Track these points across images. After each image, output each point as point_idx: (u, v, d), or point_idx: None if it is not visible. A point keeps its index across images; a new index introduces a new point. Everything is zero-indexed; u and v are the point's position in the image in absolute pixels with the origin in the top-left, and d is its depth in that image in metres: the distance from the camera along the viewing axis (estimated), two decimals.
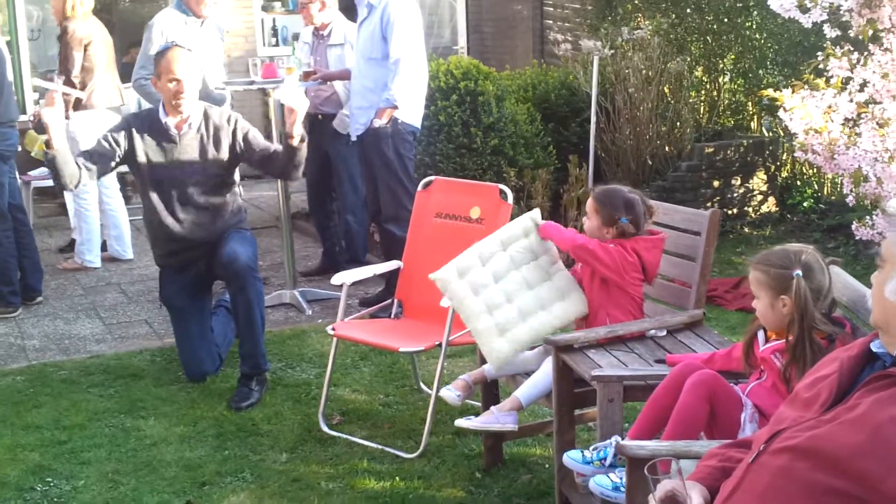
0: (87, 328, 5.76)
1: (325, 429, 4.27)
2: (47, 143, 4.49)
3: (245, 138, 4.75)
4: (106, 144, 4.70)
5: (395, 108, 5.63)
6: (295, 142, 4.56)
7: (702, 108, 8.04)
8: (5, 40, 8.94)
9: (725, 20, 7.82)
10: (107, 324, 5.84)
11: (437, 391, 4.04)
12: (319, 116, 6.44)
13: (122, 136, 4.70)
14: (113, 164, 4.76)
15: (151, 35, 6.05)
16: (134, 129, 4.71)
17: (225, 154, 4.73)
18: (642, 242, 3.76)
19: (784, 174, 7.62)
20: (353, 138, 6.10)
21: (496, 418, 3.67)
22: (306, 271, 6.61)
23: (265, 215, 8.29)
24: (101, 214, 7.06)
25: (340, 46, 6.40)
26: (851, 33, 4.03)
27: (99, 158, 4.68)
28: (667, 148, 7.50)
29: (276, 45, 10.84)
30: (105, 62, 6.87)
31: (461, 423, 3.72)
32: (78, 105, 6.76)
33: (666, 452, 2.73)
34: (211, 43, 6.42)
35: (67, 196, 7.47)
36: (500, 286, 3.82)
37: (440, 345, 4.09)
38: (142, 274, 6.83)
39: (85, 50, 6.71)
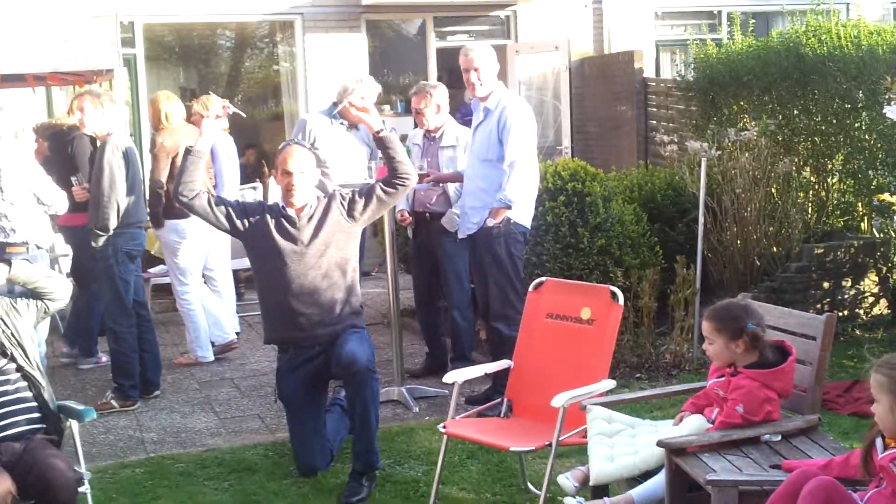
0: (203, 422, 5.93)
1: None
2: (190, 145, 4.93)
3: (347, 199, 4.96)
4: (235, 206, 4.99)
5: (509, 208, 5.77)
6: (381, 132, 4.95)
7: (810, 208, 7.97)
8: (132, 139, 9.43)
9: (834, 121, 7.79)
10: (221, 418, 6.00)
11: (546, 490, 4.05)
12: (427, 216, 6.61)
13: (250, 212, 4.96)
14: (225, 220, 4.95)
15: (299, 132, 6.54)
16: (267, 212, 4.97)
17: (343, 238, 4.91)
18: (776, 375, 3.74)
19: None
20: (462, 236, 6.25)
21: None
22: (413, 371, 6.69)
23: (372, 311, 8.44)
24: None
25: (453, 148, 6.59)
26: None
27: (222, 206, 4.96)
28: (774, 248, 7.43)
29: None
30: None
31: (563, 482, 3.84)
32: (169, 213, 7.00)
33: None
34: (354, 146, 6.80)
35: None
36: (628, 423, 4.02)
37: (550, 444, 4.11)
38: (254, 369, 7.00)
39: (173, 162, 6.94)
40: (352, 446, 4.81)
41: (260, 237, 4.91)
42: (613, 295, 4.55)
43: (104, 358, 6.94)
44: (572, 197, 7.02)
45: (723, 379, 3.82)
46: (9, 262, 4.21)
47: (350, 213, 4.95)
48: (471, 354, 6.64)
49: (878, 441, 3.03)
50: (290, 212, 4.91)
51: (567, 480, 3.87)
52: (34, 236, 6.07)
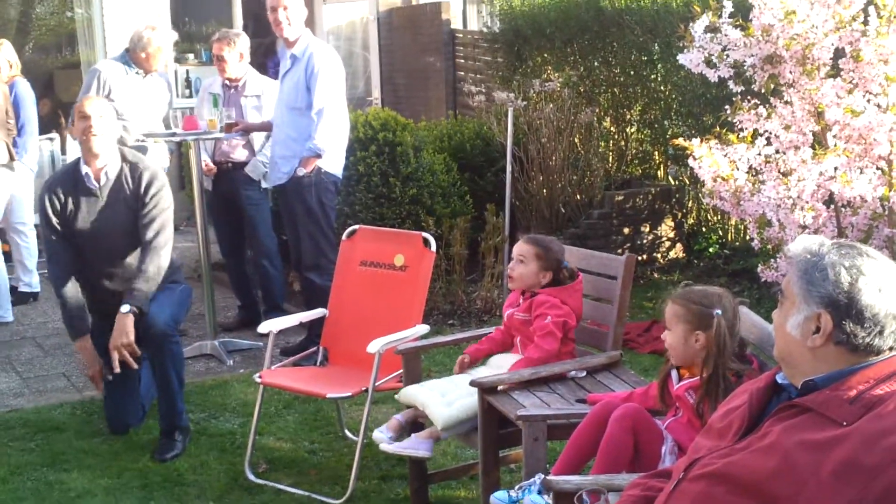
0: (4, 382, 5.67)
1: (252, 477, 4.29)
2: None
3: (149, 204, 4.74)
4: (53, 237, 4.75)
5: (319, 156, 5.73)
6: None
7: (611, 157, 8.31)
8: None
9: (632, 73, 8.12)
10: (24, 378, 5.76)
11: (364, 436, 4.11)
12: (230, 165, 6.50)
13: (51, 212, 4.71)
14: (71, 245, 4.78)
15: (92, 82, 6.21)
16: (57, 190, 4.73)
17: (136, 210, 4.74)
18: (569, 291, 3.92)
19: (690, 221, 7.90)
20: (269, 186, 6.21)
21: (414, 444, 3.76)
22: (225, 324, 6.61)
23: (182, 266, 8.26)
24: None
25: (257, 97, 6.49)
26: (755, 87, 4.28)
27: (64, 254, 4.75)
28: (578, 196, 7.72)
29: (190, 96, 10.86)
30: None
31: (378, 436, 3.83)
32: None
33: (590, 486, 2.85)
34: (153, 95, 6.56)
35: None
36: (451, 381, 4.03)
37: (366, 390, 4.16)
38: (57, 327, 6.73)
39: None
40: (157, 407, 4.72)
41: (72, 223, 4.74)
42: (426, 241, 4.62)
43: None
44: (383, 147, 7.06)
45: (521, 305, 3.96)
46: None
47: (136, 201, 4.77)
48: (283, 305, 6.61)
49: (674, 373, 3.23)
50: (90, 172, 4.73)
51: (381, 433, 3.88)
52: None
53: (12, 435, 4.86)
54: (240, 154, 6.51)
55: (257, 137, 6.48)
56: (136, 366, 4.57)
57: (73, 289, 4.78)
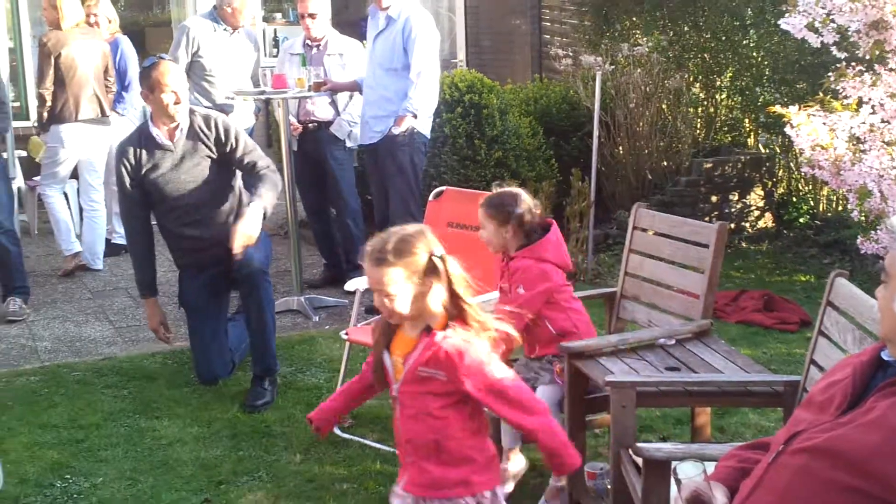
0: (98, 331, 5.84)
1: (338, 431, 4.35)
2: None
3: (229, 140, 4.81)
4: (128, 202, 4.87)
5: (415, 117, 5.77)
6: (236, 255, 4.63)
7: (699, 124, 8.17)
8: (8, 46, 9.05)
9: (723, 38, 7.95)
10: (116, 327, 5.92)
11: None
12: (313, 124, 6.54)
13: (125, 174, 4.79)
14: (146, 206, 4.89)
15: (182, 39, 6.30)
16: (129, 153, 4.81)
17: (213, 157, 4.81)
18: (544, 246, 3.85)
19: (780, 190, 7.75)
20: (355, 145, 6.27)
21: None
22: (311, 281, 6.69)
23: (268, 223, 8.36)
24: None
25: (340, 56, 6.51)
26: (859, 54, 4.16)
27: (138, 219, 4.89)
28: (665, 163, 7.62)
29: (276, 56, 10.94)
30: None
31: None
32: (52, 118, 6.86)
33: (681, 455, 2.83)
34: (240, 53, 6.63)
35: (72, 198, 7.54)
36: None
37: None
38: None
39: (56, 65, 6.79)
40: (251, 350, 4.82)
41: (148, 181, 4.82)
42: None
43: None
44: (469, 109, 7.04)
45: (503, 275, 3.94)
46: None
47: (228, 158, 4.85)
48: None
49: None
50: (162, 134, 4.80)
51: None
52: None
53: (106, 382, 5.01)
54: (324, 113, 6.55)
55: (341, 97, 6.52)
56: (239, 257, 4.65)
57: (143, 250, 4.90)
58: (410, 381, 2.73)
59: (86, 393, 4.86)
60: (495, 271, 4.52)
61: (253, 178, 4.81)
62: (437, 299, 2.70)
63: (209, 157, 4.80)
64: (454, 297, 2.71)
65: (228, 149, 4.79)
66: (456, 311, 2.72)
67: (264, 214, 4.68)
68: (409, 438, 2.78)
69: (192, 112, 4.85)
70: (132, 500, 3.85)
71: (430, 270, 2.68)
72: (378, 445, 4.22)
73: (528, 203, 3.87)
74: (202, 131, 4.79)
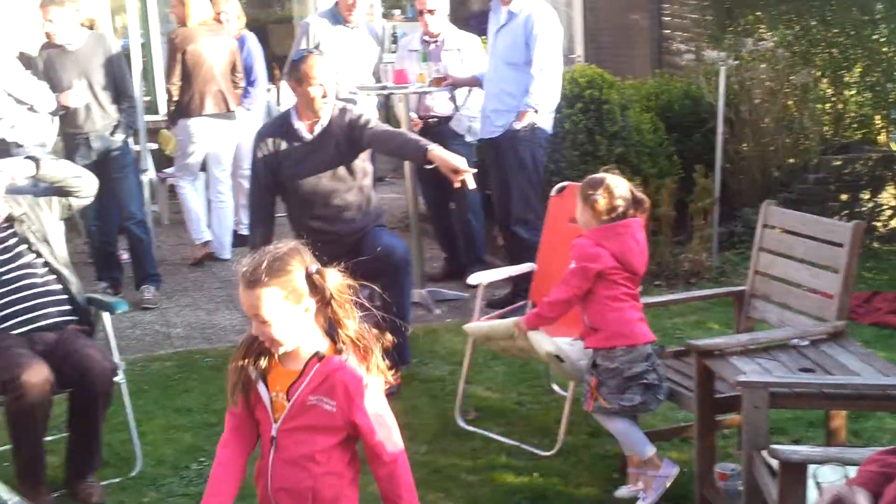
0: (227, 319, 6.03)
1: (462, 424, 4.40)
2: None
3: (369, 129, 4.88)
4: (258, 188, 4.99)
5: (536, 112, 5.79)
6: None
7: (827, 120, 7.96)
8: (140, 43, 9.34)
9: (852, 32, 7.73)
10: (244, 316, 6.05)
11: (573, 391, 4.14)
12: (433, 119, 6.60)
13: (261, 160, 4.92)
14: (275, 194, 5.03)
15: (303, 36, 6.45)
16: (268, 140, 4.93)
17: (356, 151, 4.91)
18: (609, 232, 3.79)
19: None
20: (474, 140, 6.31)
21: (664, 473, 3.74)
22: (432, 274, 6.75)
23: (388, 217, 8.47)
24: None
25: (458, 51, 6.57)
26: None
27: (265, 208, 5.01)
28: (792, 160, 7.45)
29: (394, 52, 11.05)
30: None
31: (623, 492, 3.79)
32: (179, 112, 7.09)
33: (819, 458, 2.78)
34: (362, 48, 6.74)
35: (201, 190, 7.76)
36: None
37: None
38: None
39: (183, 61, 7.02)
40: None
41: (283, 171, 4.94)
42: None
43: (125, 255, 6.98)
44: (589, 104, 7.00)
45: None
46: (37, 160, 4.19)
47: (372, 143, 4.93)
48: (485, 258, 6.70)
49: None
50: (303, 127, 4.90)
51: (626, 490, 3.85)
52: (16, 135, 6.13)
53: None
54: (443, 108, 6.61)
55: (460, 92, 6.57)
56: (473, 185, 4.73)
57: (262, 238, 4.99)
58: (295, 414, 2.52)
59: (218, 379, 5.01)
60: None
61: (396, 138, 4.92)
62: (321, 323, 2.55)
63: (344, 152, 4.89)
64: (333, 314, 2.52)
65: (361, 123, 4.86)
66: (338, 332, 2.54)
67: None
68: (283, 487, 2.55)
69: (336, 109, 4.95)
70: None
71: (310, 289, 2.50)
72: (502, 439, 4.25)
73: (611, 189, 3.81)
74: (339, 125, 4.89)
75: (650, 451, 3.76)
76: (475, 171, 4.60)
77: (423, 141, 4.79)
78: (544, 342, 3.94)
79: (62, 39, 6.23)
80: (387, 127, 5.00)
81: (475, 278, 4.67)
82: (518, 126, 5.84)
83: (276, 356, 2.58)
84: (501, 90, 5.97)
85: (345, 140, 4.88)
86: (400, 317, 4.81)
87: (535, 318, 3.89)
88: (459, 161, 4.59)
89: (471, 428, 4.37)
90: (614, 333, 3.75)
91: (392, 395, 4.62)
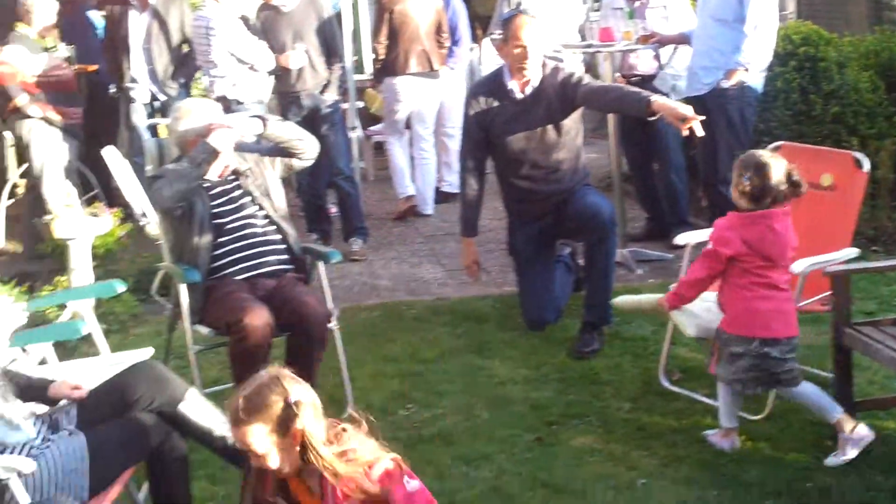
0: (431, 273, 6.17)
1: (666, 384, 4.35)
2: None
3: (583, 85, 4.86)
4: (470, 143, 5.08)
5: (746, 70, 5.62)
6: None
7: None
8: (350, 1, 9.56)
9: None
10: (447, 269, 6.22)
11: None
12: (636, 77, 6.48)
13: (473, 117, 4.98)
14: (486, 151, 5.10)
15: None
16: (480, 98, 4.97)
17: (568, 110, 4.89)
18: (748, 220, 3.68)
19: None
20: (678, 98, 6.15)
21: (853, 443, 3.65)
22: (633, 234, 6.68)
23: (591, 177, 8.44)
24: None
25: (664, 8, 6.41)
26: None
27: (476, 160, 5.09)
28: None
29: (597, 10, 10.90)
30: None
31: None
32: (385, 71, 7.25)
33: None
34: (567, 6, 6.70)
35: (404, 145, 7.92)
36: None
37: None
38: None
39: (390, 21, 7.13)
40: (585, 299, 4.91)
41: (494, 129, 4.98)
42: (857, 162, 4.38)
43: (333, 209, 7.23)
44: (804, 62, 6.71)
45: None
46: (264, 119, 4.38)
47: (586, 100, 4.91)
48: (689, 219, 6.57)
49: None
50: (515, 86, 4.91)
51: None
52: (237, 93, 6.39)
53: (441, 320, 5.29)
54: (647, 67, 6.49)
55: (665, 50, 6.43)
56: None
57: (473, 192, 5.08)
58: None
59: (422, 329, 5.16)
60: (832, 232, 4.33)
61: (614, 91, 4.93)
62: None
63: (556, 112, 4.89)
64: (305, 450, 2.50)
65: (574, 81, 4.85)
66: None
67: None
68: None
69: (546, 67, 4.94)
70: (469, 431, 4.05)
71: (291, 417, 2.51)
72: (708, 401, 4.17)
73: (765, 173, 3.66)
74: (552, 85, 4.89)
75: (837, 413, 3.67)
76: (703, 117, 4.47)
77: (644, 92, 4.75)
78: (687, 325, 4.04)
79: (278, 1, 6.47)
80: (600, 82, 4.96)
81: (682, 238, 4.57)
82: (726, 84, 5.68)
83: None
84: (710, 47, 5.81)
85: (557, 99, 4.87)
86: (603, 277, 4.81)
87: (675, 298, 3.92)
88: (686, 109, 4.51)
89: (675, 388, 4.32)
90: (735, 320, 3.73)
91: (595, 352, 4.68)
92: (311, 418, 2.54)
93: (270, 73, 6.56)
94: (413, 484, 2.57)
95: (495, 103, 4.94)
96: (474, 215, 5.18)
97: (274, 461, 2.53)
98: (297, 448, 2.51)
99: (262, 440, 2.51)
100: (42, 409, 3.24)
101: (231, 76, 6.45)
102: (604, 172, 7.48)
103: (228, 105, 6.32)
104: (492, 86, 5.03)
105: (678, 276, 4.57)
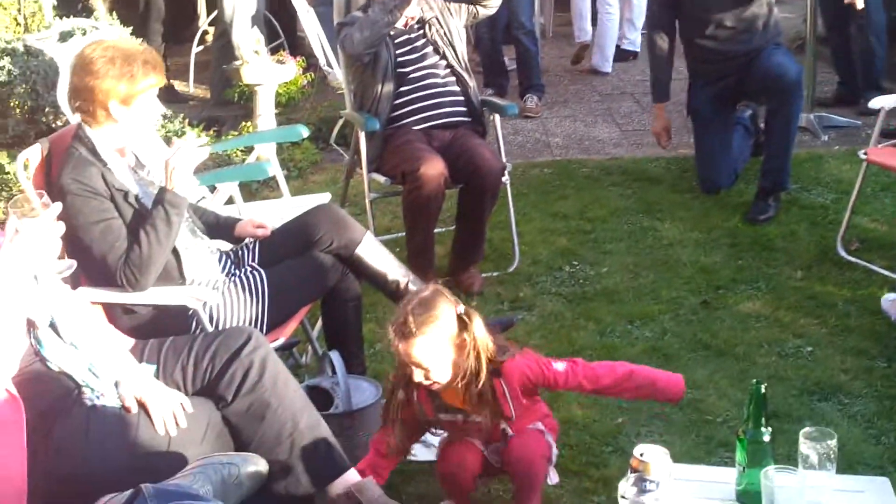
0: (605, 132, 6.10)
1: (843, 253, 4.22)
2: None
3: None
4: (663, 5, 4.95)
5: None
6: None
7: None
8: None
9: None
10: (623, 130, 6.13)
11: None
12: None
13: None
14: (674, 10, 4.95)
15: None
16: None
17: None
18: None
19: None
20: None
21: None
22: (822, 99, 6.37)
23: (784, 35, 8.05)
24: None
25: None
26: None
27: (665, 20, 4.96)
28: None
29: None
30: None
31: None
32: None
33: None
34: None
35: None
36: None
37: None
38: None
39: None
40: (762, 164, 4.77)
41: None
42: None
43: (510, 64, 7.17)
44: None
45: None
46: None
47: None
48: (883, 84, 6.20)
49: None
50: None
51: None
52: None
53: (612, 180, 5.25)
54: None
55: None
56: None
57: (663, 52, 4.92)
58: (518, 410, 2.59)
59: (593, 188, 5.14)
60: None
61: None
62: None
63: None
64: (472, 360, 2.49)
65: None
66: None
67: None
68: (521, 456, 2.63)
69: None
70: (633, 291, 4.07)
71: (461, 328, 2.49)
72: (887, 273, 4.03)
73: None
74: None
75: None
76: None
77: None
78: None
79: None
80: None
81: (877, 101, 4.33)
82: None
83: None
84: None
85: None
86: (783, 141, 4.65)
87: None
88: None
89: (852, 259, 4.18)
90: None
91: (769, 219, 4.55)
92: (481, 328, 2.54)
93: None
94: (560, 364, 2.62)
95: None
96: (666, 78, 5.04)
97: (439, 373, 2.52)
98: (467, 359, 2.50)
99: (432, 352, 2.48)
100: (227, 246, 3.43)
101: None
102: (796, 32, 7.11)
103: None
104: None
105: (866, 144, 4.39)
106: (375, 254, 3.37)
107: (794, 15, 7.29)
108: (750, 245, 4.40)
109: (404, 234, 4.23)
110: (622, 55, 7.50)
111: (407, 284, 3.35)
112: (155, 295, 2.99)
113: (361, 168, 4.37)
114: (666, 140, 5.16)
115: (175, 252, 3.06)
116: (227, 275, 3.23)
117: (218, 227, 3.42)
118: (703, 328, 3.75)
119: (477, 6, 4.42)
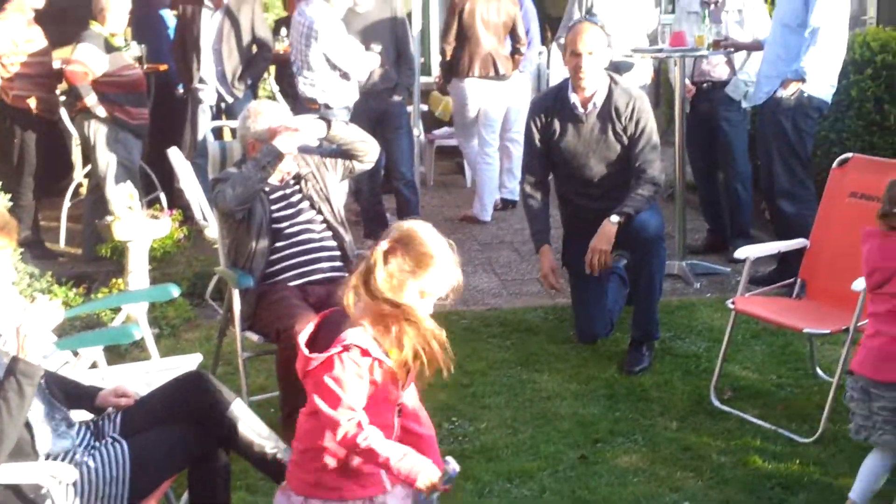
0: (484, 282, 6.13)
1: (717, 403, 4.27)
2: None
3: (638, 128, 4.77)
4: (533, 155, 5.02)
5: (803, 80, 5.46)
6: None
7: None
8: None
9: None
10: (502, 279, 6.18)
11: (839, 377, 3.92)
12: (708, 84, 6.36)
13: (534, 131, 4.94)
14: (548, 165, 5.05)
15: (575, 2, 6.42)
16: (541, 114, 4.92)
17: (622, 137, 4.81)
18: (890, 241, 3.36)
19: None
20: (748, 106, 6.04)
21: None
22: (693, 246, 6.56)
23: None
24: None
25: (739, 12, 6.27)
26: None
27: (539, 172, 5.04)
28: None
29: (671, 12, 10.76)
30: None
31: None
32: (452, 72, 7.28)
33: None
34: (638, 10, 6.60)
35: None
36: None
37: (846, 330, 3.94)
38: None
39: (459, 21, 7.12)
40: (633, 315, 4.83)
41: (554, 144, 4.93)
42: None
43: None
44: (881, 70, 6.52)
45: None
46: (328, 121, 4.38)
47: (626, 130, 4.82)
48: (751, 231, 6.44)
49: None
50: (577, 101, 4.84)
51: None
52: (327, 97, 6.40)
53: (490, 332, 5.25)
54: (720, 72, 6.36)
55: (738, 55, 6.30)
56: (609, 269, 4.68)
57: (537, 203, 5.02)
58: None
59: (472, 340, 5.13)
60: None
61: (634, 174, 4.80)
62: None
63: (618, 136, 4.81)
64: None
65: (631, 134, 4.78)
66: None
67: (629, 217, 4.66)
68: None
69: (613, 84, 4.85)
70: (512, 448, 4.01)
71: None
72: (759, 422, 4.08)
73: None
74: (617, 109, 4.80)
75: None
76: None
77: (632, 206, 4.70)
78: None
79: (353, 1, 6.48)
80: (643, 163, 4.81)
81: (743, 252, 4.47)
82: (782, 94, 5.51)
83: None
84: (775, 54, 5.66)
85: (621, 131, 4.80)
86: (648, 293, 4.73)
87: None
88: (598, 243, 4.71)
89: (725, 408, 4.23)
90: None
91: (644, 370, 4.59)
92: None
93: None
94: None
95: (557, 120, 4.88)
96: (543, 225, 5.08)
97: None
98: None
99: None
100: (88, 416, 3.28)
101: (323, 81, 6.46)
102: (667, 181, 7.35)
103: (318, 108, 6.36)
104: (554, 99, 4.95)
105: (736, 291, 4.50)
106: (245, 421, 3.26)
107: (665, 163, 7.54)
108: (626, 395, 4.42)
109: (278, 394, 4.12)
110: (503, 204, 7.63)
111: (276, 454, 3.24)
112: (5, 473, 2.82)
113: (235, 326, 4.28)
114: (555, 280, 5.11)
115: (28, 425, 2.91)
116: (85, 448, 3.08)
117: (78, 397, 3.28)
118: (582, 484, 3.70)
119: (353, 161, 4.45)
